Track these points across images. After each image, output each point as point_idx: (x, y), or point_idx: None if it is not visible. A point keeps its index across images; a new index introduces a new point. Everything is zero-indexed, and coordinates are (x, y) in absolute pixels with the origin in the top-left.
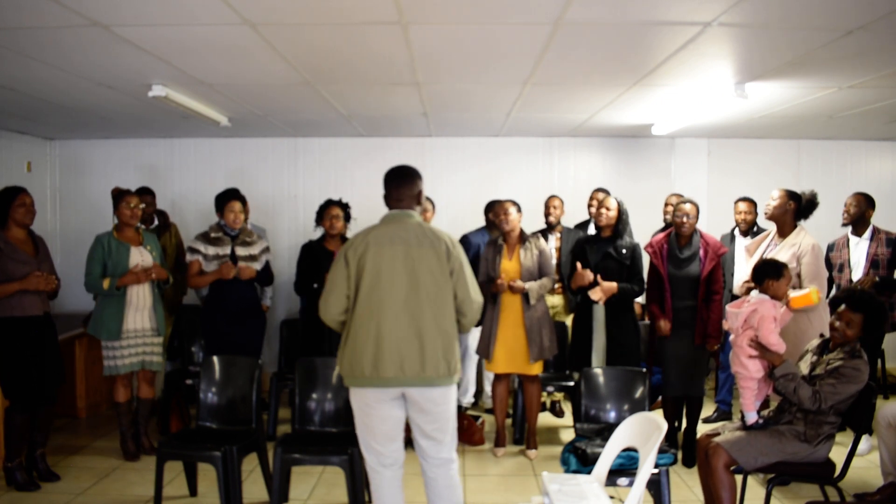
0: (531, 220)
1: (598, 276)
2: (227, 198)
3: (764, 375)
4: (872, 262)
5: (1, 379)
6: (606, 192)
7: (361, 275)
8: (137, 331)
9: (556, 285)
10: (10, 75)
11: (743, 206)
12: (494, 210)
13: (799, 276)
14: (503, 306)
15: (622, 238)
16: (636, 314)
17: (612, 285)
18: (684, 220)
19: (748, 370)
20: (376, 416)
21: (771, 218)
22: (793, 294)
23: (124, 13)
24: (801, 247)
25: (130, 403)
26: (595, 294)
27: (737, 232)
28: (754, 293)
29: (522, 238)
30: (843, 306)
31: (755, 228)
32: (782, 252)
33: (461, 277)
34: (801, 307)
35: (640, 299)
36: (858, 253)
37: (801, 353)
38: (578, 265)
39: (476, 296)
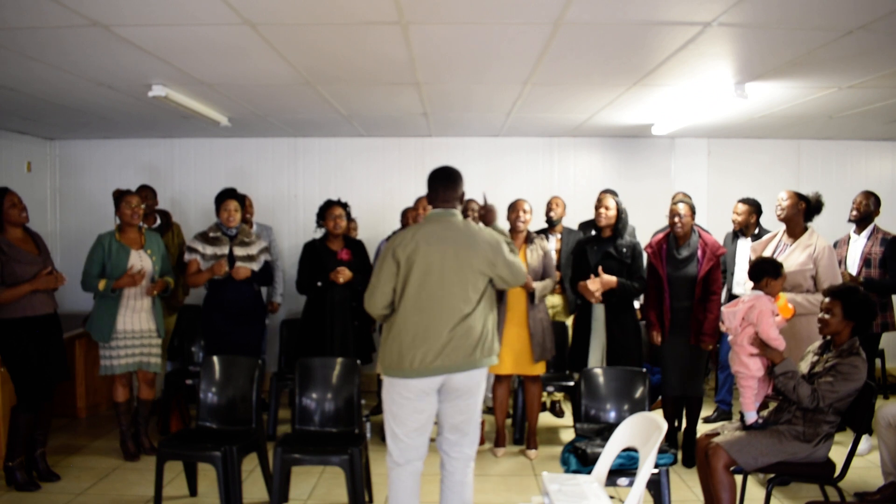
0: (531, 220)
1: (600, 268)
2: (224, 197)
3: (764, 375)
4: (865, 261)
5: (12, 378)
6: (614, 193)
7: (410, 272)
8: (135, 332)
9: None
10: (10, 75)
11: (739, 206)
12: (512, 207)
13: (813, 278)
14: (507, 308)
15: (622, 237)
16: (636, 314)
17: (612, 279)
18: (676, 220)
19: (749, 369)
20: (412, 407)
21: (784, 219)
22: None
23: (124, 13)
24: (816, 249)
25: (130, 403)
26: (593, 284)
27: (739, 233)
28: (750, 291)
29: (528, 238)
30: (826, 299)
31: (758, 231)
32: (796, 253)
33: (506, 267)
34: (792, 315)
35: (638, 303)
36: (855, 250)
37: (804, 354)
38: (589, 282)
39: (521, 268)
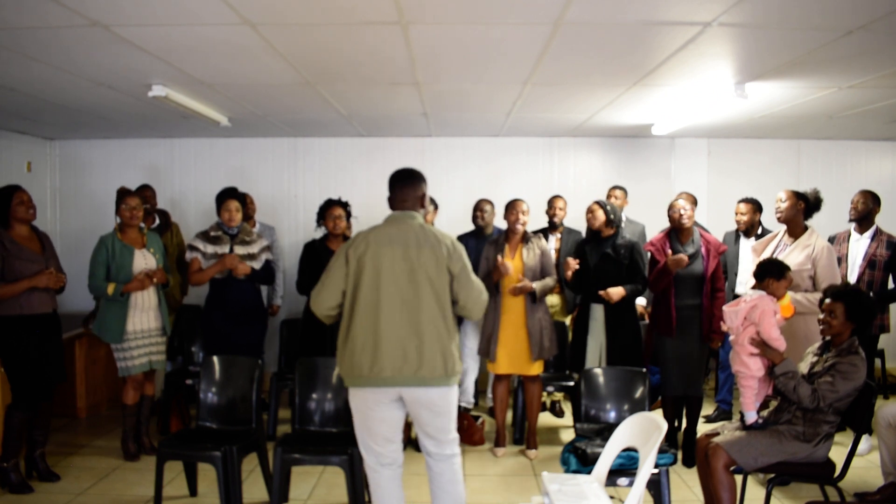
0: (531, 220)
1: (608, 291)
2: (225, 196)
3: (764, 374)
4: (870, 262)
5: (9, 377)
6: (623, 189)
7: (361, 274)
8: (145, 331)
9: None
10: (10, 75)
11: (742, 206)
12: (510, 209)
13: (812, 278)
14: (505, 307)
15: (621, 236)
16: (637, 314)
17: (620, 291)
18: (681, 213)
19: (749, 369)
20: (375, 417)
21: (784, 220)
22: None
23: (124, 13)
24: (815, 249)
25: (138, 406)
26: (608, 297)
27: (741, 233)
28: (750, 290)
29: (525, 238)
30: (827, 300)
31: (760, 230)
32: (795, 253)
33: (463, 279)
34: (792, 314)
35: (641, 300)
36: (858, 250)
37: (803, 355)
38: (570, 261)
39: (480, 294)
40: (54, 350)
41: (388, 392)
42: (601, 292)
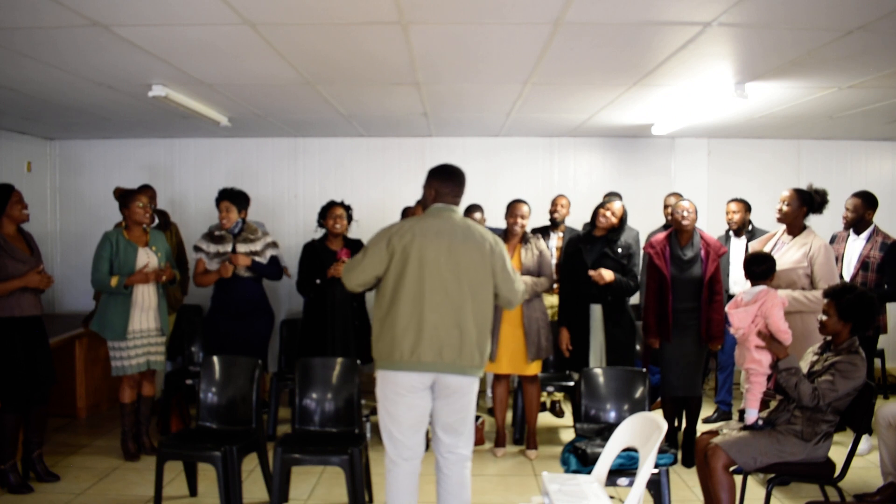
0: (530, 220)
1: (599, 270)
2: (219, 198)
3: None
4: (863, 264)
5: None
6: (618, 196)
7: (406, 263)
8: (143, 331)
9: (556, 285)
10: (10, 75)
11: (733, 206)
12: (510, 210)
13: (809, 276)
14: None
15: (619, 237)
16: (631, 314)
17: (610, 274)
18: (685, 215)
19: (762, 365)
20: (405, 403)
21: (783, 220)
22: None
23: (124, 13)
24: (812, 247)
25: (135, 404)
26: (598, 277)
27: (731, 233)
28: (751, 288)
29: (524, 238)
30: (825, 299)
31: (750, 227)
32: (792, 251)
33: (504, 274)
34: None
35: (636, 299)
36: (853, 251)
37: (804, 352)
38: (600, 272)
39: (519, 286)
40: (44, 353)
41: (423, 378)
42: (591, 272)
